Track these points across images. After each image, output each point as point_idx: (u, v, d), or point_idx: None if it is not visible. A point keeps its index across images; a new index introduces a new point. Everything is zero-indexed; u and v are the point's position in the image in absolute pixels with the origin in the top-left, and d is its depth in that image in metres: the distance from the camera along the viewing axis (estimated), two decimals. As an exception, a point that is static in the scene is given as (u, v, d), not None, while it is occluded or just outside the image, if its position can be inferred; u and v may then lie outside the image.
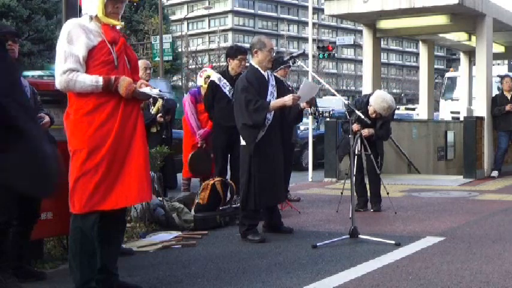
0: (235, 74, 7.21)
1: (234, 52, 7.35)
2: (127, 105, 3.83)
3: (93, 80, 3.71)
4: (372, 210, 7.32)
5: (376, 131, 7.17)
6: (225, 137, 7.10)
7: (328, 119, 11.17)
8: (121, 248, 4.58)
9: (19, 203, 4.12)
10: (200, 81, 8.11)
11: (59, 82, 3.75)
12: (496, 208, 7.48)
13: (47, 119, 4.24)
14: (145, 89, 3.88)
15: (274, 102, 5.70)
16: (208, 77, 7.92)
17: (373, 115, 7.05)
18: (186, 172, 8.06)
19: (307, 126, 12.71)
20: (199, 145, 7.81)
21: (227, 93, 7.18)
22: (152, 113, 7.35)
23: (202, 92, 7.99)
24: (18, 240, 4.23)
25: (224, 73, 7.40)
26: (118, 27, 4.00)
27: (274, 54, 6.06)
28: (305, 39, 60.35)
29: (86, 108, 3.75)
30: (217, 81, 7.29)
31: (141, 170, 3.85)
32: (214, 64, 46.78)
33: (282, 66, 7.02)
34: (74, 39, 3.74)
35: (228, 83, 7.19)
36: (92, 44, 3.76)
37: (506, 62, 25.51)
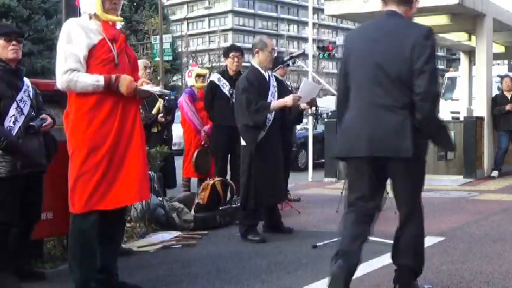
0: (234, 73, 7.21)
1: (227, 51, 7.46)
2: (126, 104, 3.83)
3: (94, 80, 3.71)
4: (372, 210, 7.31)
5: None
6: (225, 137, 7.10)
7: (326, 120, 11.19)
8: (121, 248, 4.58)
9: (20, 203, 4.12)
10: (191, 81, 8.10)
11: (60, 82, 3.76)
12: (496, 208, 7.47)
13: (49, 120, 4.24)
14: (147, 87, 3.89)
15: (275, 102, 5.70)
16: (198, 75, 7.94)
17: None
18: (186, 172, 8.06)
19: (302, 126, 12.65)
20: (203, 142, 7.79)
21: (226, 93, 7.19)
22: (153, 113, 7.35)
23: (195, 90, 8.00)
24: (18, 240, 4.23)
25: (223, 73, 7.41)
26: (118, 26, 4.00)
27: (275, 54, 6.07)
28: (305, 39, 60.34)
29: (86, 107, 3.75)
30: (216, 81, 7.30)
31: (140, 168, 3.86)
32: (214, 64, 46.79)
33: (280, 66, 7.03)
34: (73, 39, 3.74)
35: (227, 83, 7.20)
36: (92, 42, 3.76)
37: (506, 62, 25.52)
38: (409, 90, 3.42)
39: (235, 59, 7.24)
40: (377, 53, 3.49)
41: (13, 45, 4.14)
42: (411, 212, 3.73)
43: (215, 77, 7.45)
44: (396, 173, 3.58)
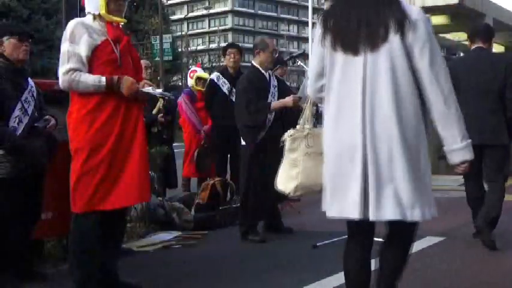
0: (234, 71, 7.23)
1: (224, 49, 7.53)
2: (129, 104, 3.84)
3: (95, 80, 3.71)
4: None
5: None
6: (224, 137, 7.11)
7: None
8: (121, 248, 4.58)
9: (19, 203, 4.12)
10: (190, 82, 8.09)
11: (62, 82, 3.76)
12: None
13: (53, 121, 4.24)
14: (148, 89, 3.88)
15: (275, 103, 5.70)
16: (199, 78, 7.93)
17: None
18: (186, 172, 8.06)
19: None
20: (202, 142, 7.80)
21: (225, 91, 7.19)
22: (153, 113, 7.35)
23: (194, 91, 8.00)
24: (18, 240, 4.23)
25: (223, 72, 7.41)
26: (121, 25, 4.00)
27: (276, 55, 6.07)
28: (305, 39, 60.31)
29: (88, 107, 3.75)
30: (215, 79, 7.31)
31: (141, 169, 3.86)
32: (214, 64, 46.73)
33: (278, 66, 7.02)
34: (77, 39, 3.74)
35: (226, 82, 7.21)
36: (95, 43, 3.76)
37: (506, 62, 25.49)
38: (500, 98, 5.10)
39: (232, 55, 7.26)
40: (479, 75, 5.18)
41: (25, 46, 4.16)
42: (494, 186, 5.35)
43: (215, 75, 7.46)
44: (491, 156, 5.20)
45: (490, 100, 5.13)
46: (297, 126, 3.58)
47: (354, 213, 2.82)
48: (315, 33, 2.98)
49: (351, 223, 2.99)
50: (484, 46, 5.38)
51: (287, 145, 3.52)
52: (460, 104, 5.05)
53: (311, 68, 3.01)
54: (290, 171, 3.47)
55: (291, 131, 3.55)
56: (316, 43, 2.92)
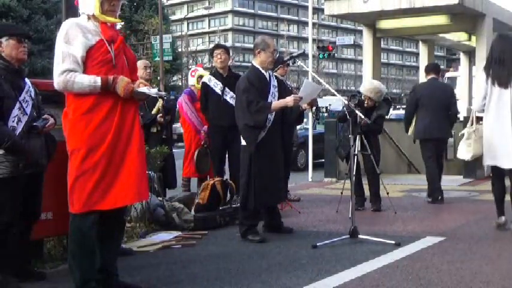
0: (223, 71, 7.28)
1: (211, 51, 7.66)
2: (125, 104, 3.83)
3: (91, 81, 3.71)
4: (371, 210, 7.32)
5: (369, 125, 7.20)
6: (221, 137, 7.12)
7: (325, 114, 11.14)
8: (121, 248, 4.58)
9: (19, 202, 4.12)
10: (192, 80, 8.12)
11: (57, 83, 3.75)
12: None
13: (51, 120, 4.23)
14: (144, 89, 3.87)
15: (276, 103, 5.69)
16: (201, 76, 7.95)
17: (365, 100, 7.23)
18: (186, 172, 8.06)
19: (302, 126, 12.59)
20: (203, 142, 7.81)
21: (218, 92, 7.21)
22: (152, 113, 7.36)
23: (195, 91, 8.02)
24: (18, 240, 4.23)
25: (215, 73, 7.44)
26: (118, 26, 3.99)
27: (277, 55, 6.07)
28: (305, 39, 60.25)
29: (84, 107, 3.75)
30: (207, 81, 7.34)
31: (139, 169, 3.85)
32: (214, 64, 46.70)
33: (279, 66, 7.02)
34: (71, 39, 3.73)
35: (219, 82, 7.24)
36: (90, 43, 3.75)
37: (506, 62, 25.48)
38: (448, 110, 8.09)
39: (219, 56, 7.31)
40: (436, 94, 8.09)
41: (24, 46, 4.16)
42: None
43: (206, 78, 7.49)
44: (442, 146, 8.59)
45: (442, 111, 8.03)
46: (467, 126, 6.40)
47: (509, 164, 5.74)
48: (477, 77, 6.07)
49: (497, 169, 5.92)
50: (436, 77, 8.29)
51: (465, 135, 6.40)
52: (422, 114, 8.13)
53: (480, 94, 5.89)
54: (467, 148, 6.38)
55: (466, 128, 6.42)
56: (482, 81, 5.82)
